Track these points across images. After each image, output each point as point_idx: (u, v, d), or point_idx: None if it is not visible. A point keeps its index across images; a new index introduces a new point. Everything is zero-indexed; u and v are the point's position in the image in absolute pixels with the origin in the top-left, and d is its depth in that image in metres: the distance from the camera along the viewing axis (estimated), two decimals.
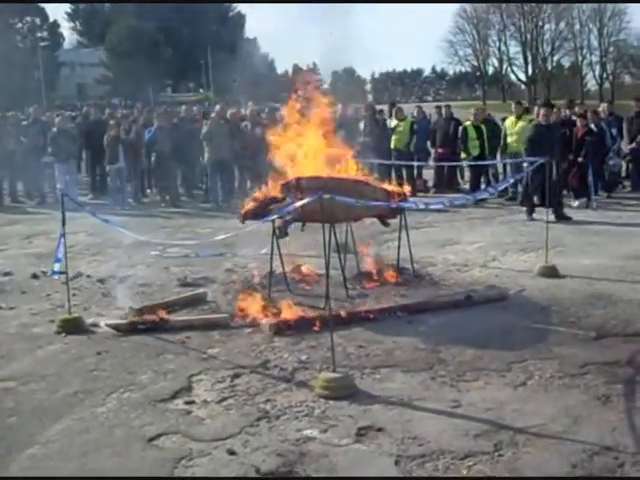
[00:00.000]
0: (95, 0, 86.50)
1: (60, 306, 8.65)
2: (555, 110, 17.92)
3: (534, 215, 13.67)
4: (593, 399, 5.78)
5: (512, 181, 13.31)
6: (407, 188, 10.09)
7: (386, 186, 9.88)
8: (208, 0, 76.22)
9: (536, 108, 18.61)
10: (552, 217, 12.94)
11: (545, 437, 5.14)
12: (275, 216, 8.02)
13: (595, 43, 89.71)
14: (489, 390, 6.00)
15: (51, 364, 6.86)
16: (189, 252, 10.40)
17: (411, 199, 13.43)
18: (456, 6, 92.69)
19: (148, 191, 19.65)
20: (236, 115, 18.37)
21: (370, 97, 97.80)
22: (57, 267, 8.17)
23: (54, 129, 17.69)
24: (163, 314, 7.98)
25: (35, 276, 10.23)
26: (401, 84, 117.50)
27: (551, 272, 9.56)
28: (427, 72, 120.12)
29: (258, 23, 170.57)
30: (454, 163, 18.30)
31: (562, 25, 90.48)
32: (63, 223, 7.99)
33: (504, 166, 19.55)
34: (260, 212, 8.56)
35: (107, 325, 7.79)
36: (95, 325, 7.94)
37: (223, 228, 11.70)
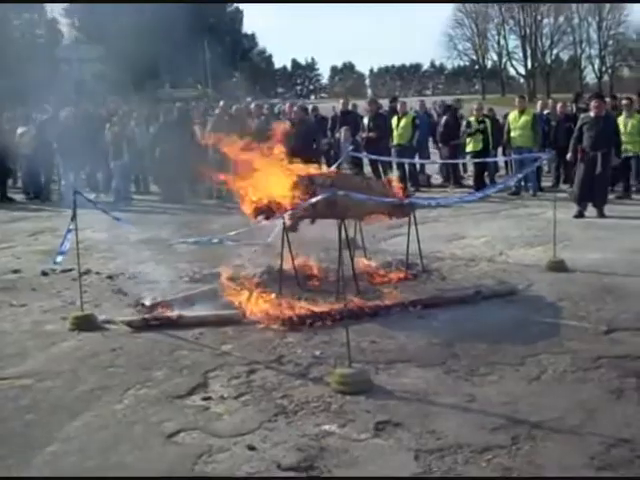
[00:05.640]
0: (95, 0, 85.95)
1: (71, 303, 8.70)
2: (561, 104, 18.02)
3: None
4: (607, 392, 5.82)
5: (521, 176, 13.29)
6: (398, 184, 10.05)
7: (393, 183, 9.91)
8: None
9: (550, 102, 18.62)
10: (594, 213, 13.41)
11: (561, 430, 5.18)
12: (287, 213, 8.04)
13: (594, 36, 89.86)
14: (504, 384, 6.05)
15: (66, 361, 6.89)
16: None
17: (419, 195, 13.52)
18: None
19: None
20: (242, 111, 18.40)
21: (369, 92, 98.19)
22: (59, 259, 8.23)
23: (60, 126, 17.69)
24: (175, 310, 8.02)
25: (44, 273, 10.25)
26: (400, 78, 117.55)
27: (559, 266, 9.60)
28: (426, 66, 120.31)
29: (256, 19, 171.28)
30: (459, 161, 18.39)
31: (561, 19, 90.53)
32: (72, 218, 8.01)
33: (506, 161, 19.69)
34: (269, 209, 8.56)
35: (120, 322, 7.82)
36: (108, 322, 7.97)
37: (230, 224, 11.70)
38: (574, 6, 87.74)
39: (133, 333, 7.60)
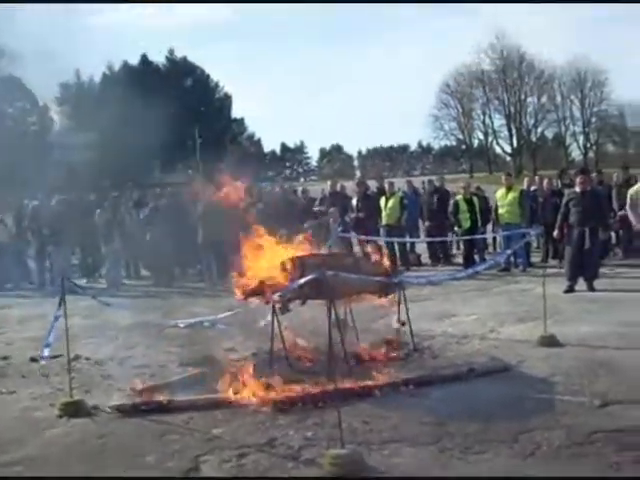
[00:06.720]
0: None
1: (60, 389, 8.61)
2: (547, 180, 18.27)
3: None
4: (605, 467, 5.76)
5: (510, 252, 13.36)
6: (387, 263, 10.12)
7: (382, 261, 9.95)
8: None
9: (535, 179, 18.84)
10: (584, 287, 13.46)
11: None
12: (276, 294, 8.05)
13: (577, 114, 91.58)
14: (498, 462, 5.97)
15: (56, 448, 6.79)
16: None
17: (409, 274, 13.59)
18: (439, 82, 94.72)
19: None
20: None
21: (358, 173, 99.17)
22: (46, 352, 8.22)
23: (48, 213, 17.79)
24: (165, 395, 7.94)
25: (34, 360, 10.16)
26: (389, 159, 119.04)
27: (551, 341, 9.58)
28: (413, 147, 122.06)
29: (244, 103, 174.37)
30: (446, 238, 18.53)
31: (544, 98, 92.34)
32: (60, 305, 8.00)
33: (494, 238, 19.82)
34: (260, 290, 8.59)
35: (110, 407, 7.73)
36: (97, 408, 7.88)
37: (220, 307, 11.68)
38: (556, 85, 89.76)
39: (123, 418, 7.51)
